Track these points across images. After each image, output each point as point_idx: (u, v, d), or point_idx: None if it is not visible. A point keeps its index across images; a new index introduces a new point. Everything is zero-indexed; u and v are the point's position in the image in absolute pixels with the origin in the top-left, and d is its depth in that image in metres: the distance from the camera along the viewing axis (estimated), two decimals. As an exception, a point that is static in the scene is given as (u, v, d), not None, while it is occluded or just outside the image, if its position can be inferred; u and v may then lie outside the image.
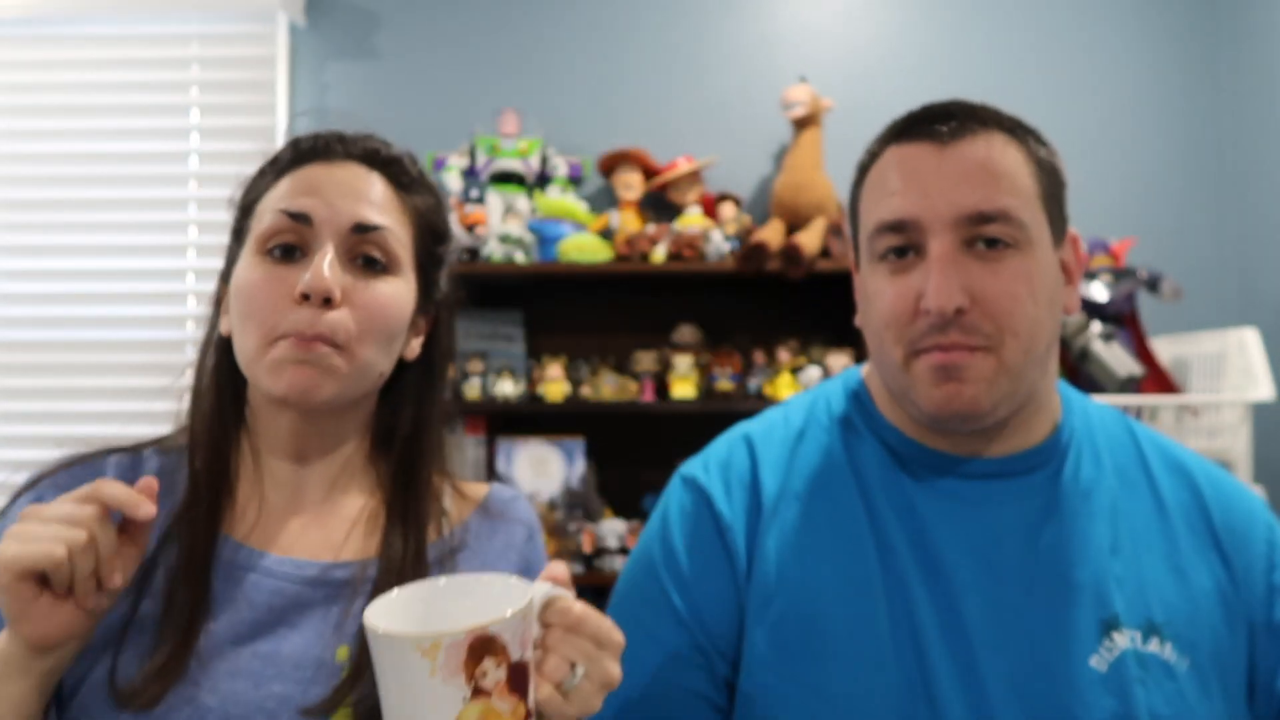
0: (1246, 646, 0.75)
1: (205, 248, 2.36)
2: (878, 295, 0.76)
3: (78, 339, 2.35)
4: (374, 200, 0.76)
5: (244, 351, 0.73)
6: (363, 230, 0.74)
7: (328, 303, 0.71)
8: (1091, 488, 0.78)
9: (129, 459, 0.78)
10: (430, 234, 0.81)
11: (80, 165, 2.38)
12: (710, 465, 0.84)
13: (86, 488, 0.60)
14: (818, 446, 0.83)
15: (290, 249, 0.73)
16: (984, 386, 0.72)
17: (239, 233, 0.79)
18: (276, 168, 0.78)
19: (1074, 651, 0.71)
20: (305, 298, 0.71)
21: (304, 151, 0.78)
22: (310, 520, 0.78)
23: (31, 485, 0.75)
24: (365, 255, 0.75)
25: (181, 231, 2.36)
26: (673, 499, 0.84)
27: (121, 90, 2.38)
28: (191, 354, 2.42)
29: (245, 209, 0.79)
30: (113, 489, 0.60)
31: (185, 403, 0.80)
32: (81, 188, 2.37)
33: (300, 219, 0.73)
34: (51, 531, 0.58)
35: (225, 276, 0.79)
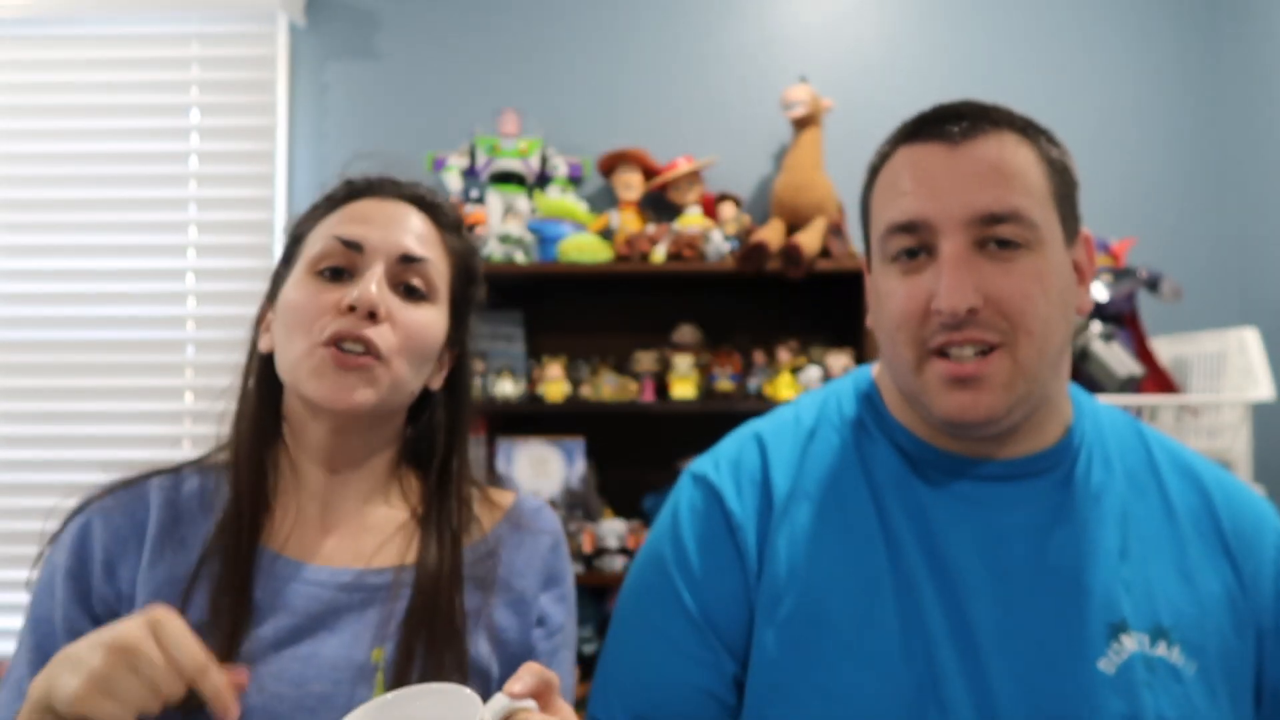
0: (1254, 651, 0.75)
1: (205, 248, 2.35)
2: (889, 296, 0.76)
3: (77, 339, 2.35)
4: (419, 234, 0.83)
5: (288, 357, 0.79)
6: (409, 260, 0.81)
7: (372, 317, 0.77)
8: (1101, 491, 0.78)
9: (170, 480, 0.82)
10: (466, 274, 0.88)
11: (79, 165, 2.37)
12: (721, 463, 0.84)
13: (191, 661, 0.60)
14: (829, 446, 0.82)
15: (339, 271, 0.80)
16: (1000, 393, 0.71)
17: (288, 259, 0.85)
18: (330, 203, 0.85)
19: (1082, 654, 0.71)
20: (351, 309, 0.77)
21: (357, 188, 0.86)
22: (343, 531, 0.83)
23: (80, 511, 0.79)
24: (408, 283, 0.81)
25: (181, 231, 2.36)
26: (683, 497, 0.84)
27: (121, 90, 2.38)
28: (192, 354, 2.43)
29: (296, 238, 0.85)
30: (214, 684, 0.61)
31: (225, 424, 0.86)
32: (81, 188, 2.37)
33: (352, 246, 0.80)
34: (132, 696, 0.59)
35: (270, 297, 0.85)
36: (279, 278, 0.85)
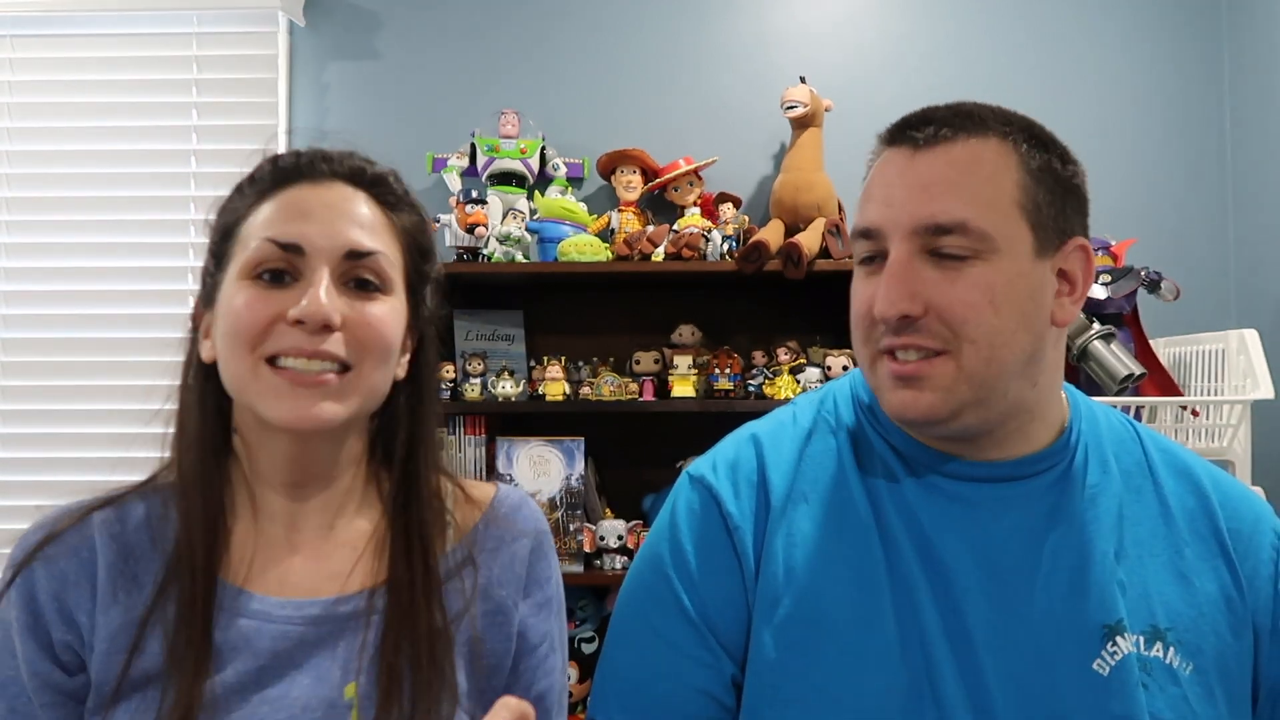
0: (1251, 652, 0.75)
1: (205, 248, 2.35)
2: (853, 297, 0.78)
3: (76, 338, 2.35)
4: (364, 223, 0.74)
5: (234, 376, 0.71)
6: (356, 256, 0.72)
7: (326, 328, 0.70)
8: (1097, 493, 0.78)
9: (113, 513, 0.75)
10: (418, 253, 0.80)
11: (79, 164, 2.37)
12: (719, 465, 0.84)
13: None
14: (825, 447, 0.83)
15: (280, 273, 0.71)
16: (941, 394, 0.72)
17: (219, 257, 0.75)
18: (257, 188, 0.75)
19: (1076, 655, 0.72)
20: (300, 323, 0.69)
21: (287, 171, 0.75)
22: (310, 553, 0.76)
23: (24, 564, 0.72)
24: (359, 278, 0.73)
25: (181, 231, 2.36)
26: (681, 498, 0.84)
27: (121, 90, 2.38)
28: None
29: (225, 232, 0.75)
30: None
31: (168, 435, 0.77)
32: (80, 187, 2.37)
33: (291, 249, 0.71)
34: None
35: (206, 301, 0.76)
36: (210, 275, 0.76)
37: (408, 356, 0.81)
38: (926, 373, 0.72)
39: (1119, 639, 0.72)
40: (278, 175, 0.75)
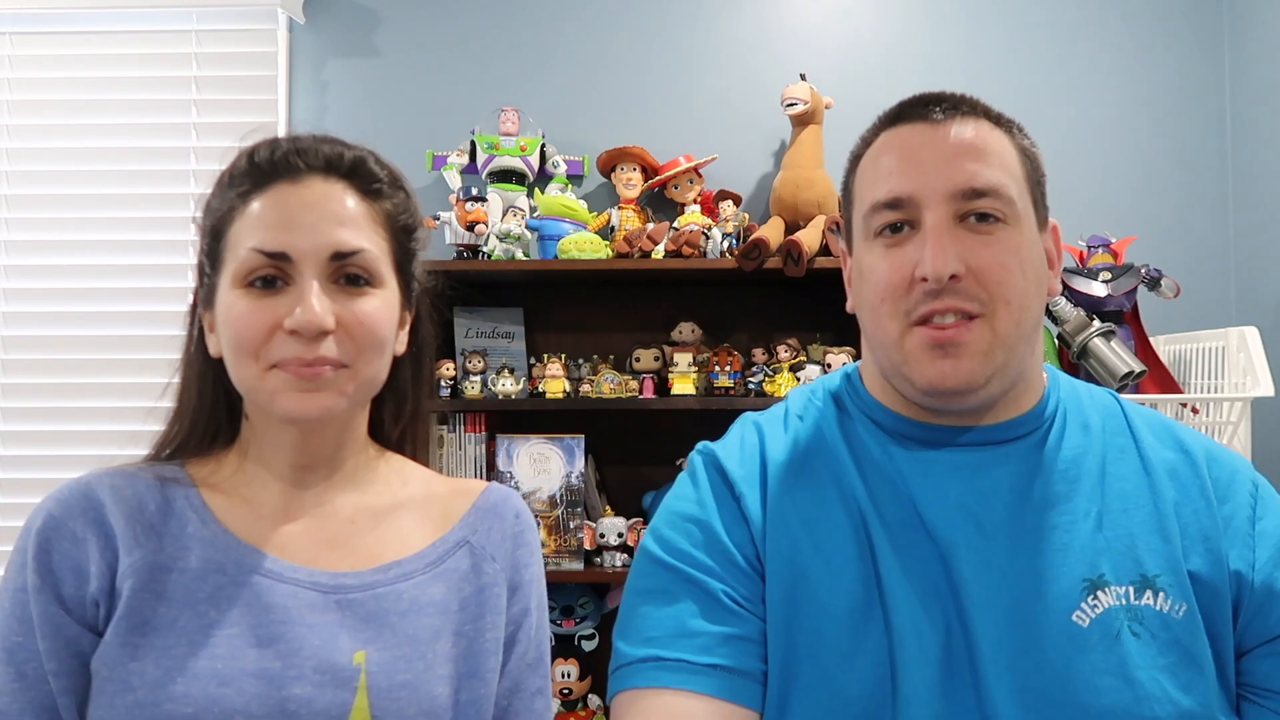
0: (1231, 593, 0.76)
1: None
2: (872, 271, 0.78)
3: (77, 335, 2.35)
4: (346, 219, 0.76)
5: (241, 380, 0.76)
6: (342, 256, 0.75)
7: (321, 334, 0.73)
8: (1080, 453, 0.80)
9: (120, 477, 0.78)
10: (403, 234, 0.82)
11: (79, 162, 2.37)
12: (725, 442, 0.87)
13: None
14: (813, 425, 0.86)
15: (271, 279, 0.74)
16: (979, 360, 0.74)
17: (212, 257, 0.78)
18: (237, 189, 0.77)
19: (1056, 607, 0.73)
20: (295, 332, 0.72)
21: (264, 170, 0.77)
22: (318, 526, 0.80)
23: (34, 529, 0.73)
24: (348, 274, 0.76)
25: (182, 228, 2.36)
26: (694, 468, 0.86)
27: (120, 87, 2.38)
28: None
29: (214, 234, 0.78)
30: None
31: (170, 409, 0.83)
32: (80, 184, 2.37)
33: (278, 257, 0.73)
34: None
35: (206, 302, 0.79)
36: (206, 276, 0.79)
37: (406, 330, 0.85)
38: (964, 337, 0.73)
39: (1100, 593, 0.73)
40: (255, 175, 0.77)
